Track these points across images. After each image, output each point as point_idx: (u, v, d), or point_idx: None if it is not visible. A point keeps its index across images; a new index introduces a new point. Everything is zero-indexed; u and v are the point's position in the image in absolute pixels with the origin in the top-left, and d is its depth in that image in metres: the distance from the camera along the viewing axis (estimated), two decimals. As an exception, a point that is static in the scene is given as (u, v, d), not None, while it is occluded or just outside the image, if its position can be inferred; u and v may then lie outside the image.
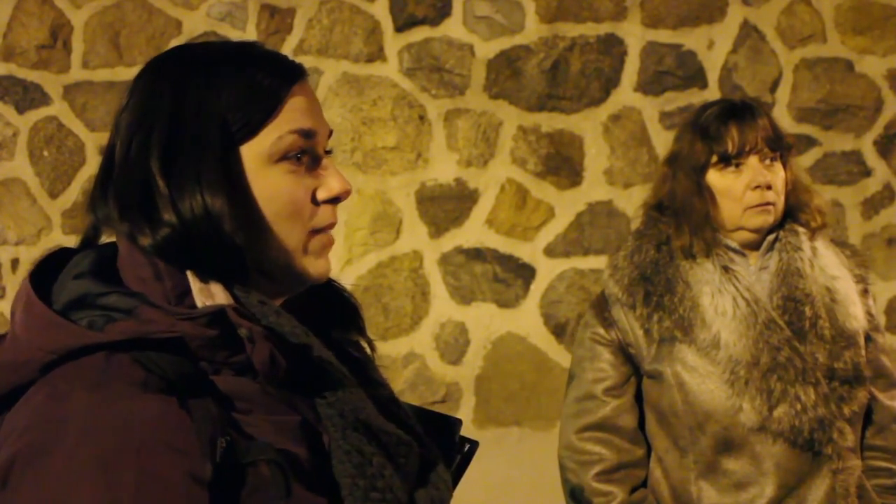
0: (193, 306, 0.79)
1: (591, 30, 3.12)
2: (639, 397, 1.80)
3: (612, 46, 3.14)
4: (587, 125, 3.13)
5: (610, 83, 3.16)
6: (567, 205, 3.11)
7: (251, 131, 0.84)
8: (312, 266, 0.89)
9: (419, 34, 3.07)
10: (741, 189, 1.70)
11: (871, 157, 3.33)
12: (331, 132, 0.91)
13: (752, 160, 1.71)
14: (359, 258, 3.02)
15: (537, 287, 3.08)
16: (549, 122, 3.11)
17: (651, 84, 3.19)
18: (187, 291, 0.80)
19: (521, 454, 2.88)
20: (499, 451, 2.86)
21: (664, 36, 3.17)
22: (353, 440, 0.83)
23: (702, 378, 1.68)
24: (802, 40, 3.29)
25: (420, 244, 3.01)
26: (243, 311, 0.79)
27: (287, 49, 3.05)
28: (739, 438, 1.66)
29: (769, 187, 1.70)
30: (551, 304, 3.07)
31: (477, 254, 3.03)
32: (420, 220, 3.02)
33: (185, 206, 0.80)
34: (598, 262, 3.08)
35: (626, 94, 3.17)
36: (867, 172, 3.32)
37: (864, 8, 3.29)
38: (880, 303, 3.24)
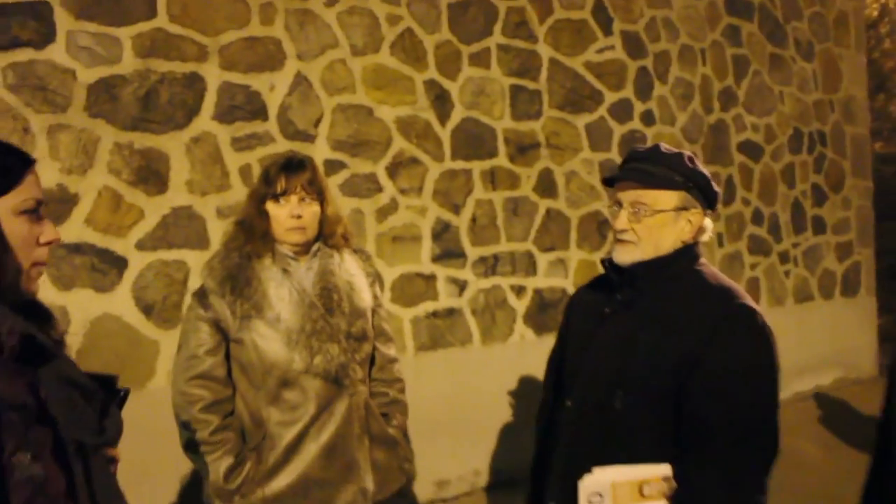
0: None
1: (179, 67, 3.78)
2: (227, 356, 2.38)
3: (195, 82, 3.83)
4: (173, 145, 3.76)
5: (192, 112, 3.82)
6: (155, 208, 3.70)
7: (4, 191, 1.31)
8: (32, 286, 1.33)
9: (24, 55, 3.39)
10: (284, 216, 2.36)
11: (383, 178, 4.45)
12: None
13: (293, 198, 2.36)
14: (-36, 251, 3.31)
15: (129, 275, 3.63)
16: (142, 140, 3.67)
17: (225, 115, 3.92)
18: None
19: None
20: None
21: (237, 78, 3.95)
22: (64, 390, 1.28)
23: (269, 341, 2.30)
24: (339, 90, 4.30)
25: (24, 240, 3.38)
26: None
27: None
28: (293, 378, 2.31)
29: (300, 216, 2.35)
30: (141, 289, 3.65)
31: (77, 248, 3.48)
32: (24, 220, 3.38)
33: None
34: (181, 254, 3.76)
35: (204, 122, 3.86)
36: (380, 189, 4.44)
37: (381, 70, 4.43)
38: (388, 281, 4.39)
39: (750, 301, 1.87)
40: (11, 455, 1.18)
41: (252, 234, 2.40)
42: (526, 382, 5.03)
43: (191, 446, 2.35)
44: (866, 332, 7.52)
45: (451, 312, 4.75)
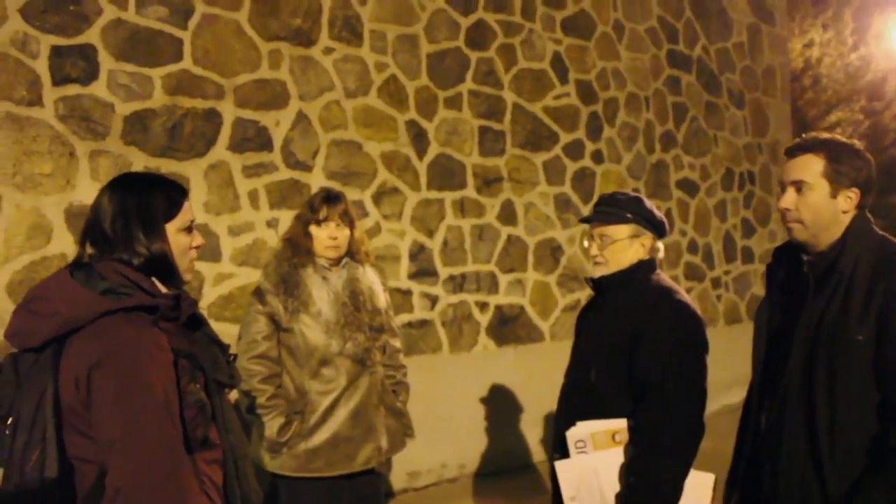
0: (158, 293, 1.79)
1: (200, 104, 4.37)
2: (278, 341, 2.95)
3: (214, 117, 4.42)
4: (193, 170, 4.34)
5: (210, 143, 4.41)
6: (177, 225, 4.27)
7: (172, 217, 1.84)
8: (188, 276, 1.90)
9: (72, 90, 3.95)
10: (324, 237, 2.98)
11: (369, 205, 5.08)
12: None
13: (332, 224, 2.98)
14: (15, 257, 3.78)
15: (154, 282, 4.19)
16: (168, 165, 4.24)
17: (238, 146, 4.51)
18: (153, 285, 1.79)
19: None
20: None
21: (248, 114, 4.55)
22: (211, 347, 1.84)
23: (312, 330, 2.91)
24: (334, 127, 4.92)
25: (67, 248, 3.86)
26: (181, 295, 1.84)
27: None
28: (330, 358, 2.92)
29: (335, 238, 2.97)
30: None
31: (110, 257, 4.03)
32: (67, 230, 3.88)
33: (152, 248, 1.79)
34: (196, 266, 4.34)
35: (220, 152, 4.45)
36: (366, 214, 5.06)
37: (370, 111, 5.07)
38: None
39: (685, 297, 2.51)
40: (186, 385, 1.77)
41: (298, 248, 3.01)
42: (487, 387, 5.67)
43: (251, 409, 2.94)
44: (788, 353, 8.27)
45: (423, 323, 5.38)
